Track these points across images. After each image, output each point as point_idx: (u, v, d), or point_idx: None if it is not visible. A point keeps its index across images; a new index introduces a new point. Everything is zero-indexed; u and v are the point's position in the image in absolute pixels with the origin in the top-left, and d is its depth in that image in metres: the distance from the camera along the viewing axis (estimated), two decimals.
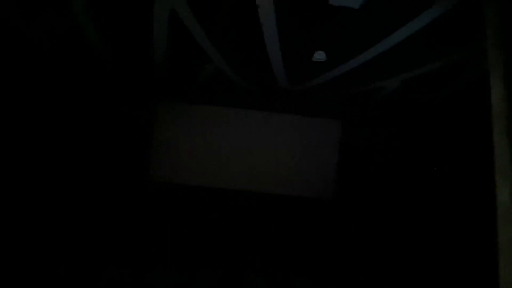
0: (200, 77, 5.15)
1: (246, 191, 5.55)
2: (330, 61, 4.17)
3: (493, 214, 1.95)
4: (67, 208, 5.20)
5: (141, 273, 4.80)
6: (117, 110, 5.48)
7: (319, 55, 4.01)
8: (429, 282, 4.94)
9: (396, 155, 5.59)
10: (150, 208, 5.46)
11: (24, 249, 4.64)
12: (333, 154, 5.59)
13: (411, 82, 4.57)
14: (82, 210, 5.26)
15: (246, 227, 5.49)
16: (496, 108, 1.77)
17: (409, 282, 5.00)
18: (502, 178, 1.81)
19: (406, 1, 2.96)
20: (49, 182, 5.20)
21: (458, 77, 4.44)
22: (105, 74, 5.34)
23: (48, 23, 3.84)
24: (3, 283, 3.91)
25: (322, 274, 5.22)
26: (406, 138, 5.61)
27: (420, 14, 3.04)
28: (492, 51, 1.85)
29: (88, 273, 4.56)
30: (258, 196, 5.56)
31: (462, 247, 4.86)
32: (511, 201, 1.76)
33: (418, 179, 5.51)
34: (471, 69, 4.11)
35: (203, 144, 5.55)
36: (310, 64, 4.27)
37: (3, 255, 4.33)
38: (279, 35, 3.60)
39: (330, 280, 5.13)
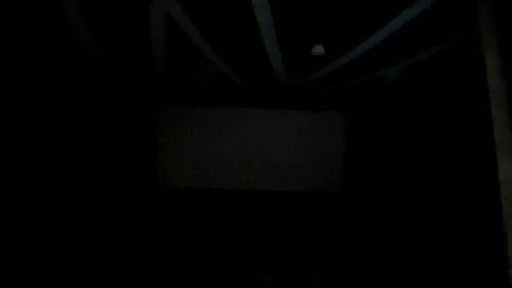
0: (200, 79, 5.17)
1: (254, 190, 5.55)
2: (329, 54, 4.16)
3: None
4: (75, 215, 5.26)
5: (153, 277, 4.84)
6: (120, 117, 5.52)
7: (318, 49, 4.00)
8: (442, 272, 4.90)
9: (402, 144, 5.55)
10: (158, 212, 5.49)
11: (33, 257, 4.70)
12: (339, 147, 5.56)
13: (411, 70, 4.54)
14: (90, 218, 5.31)
15: (257, 226, 5.50)
16: (492, 84, 1.75)
17: (421, 273, 4.96)
18: (503, 155, 1.79)
19: None
20: (56, 190, 5.26)
21: (460, 62, 4.41)
22: (105, 82, 5.39)
23: (45, 35, 3.89)
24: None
25: (337, 268, 5.20)
26: (411, 127, 5.57)
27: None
28: (485, 27, 1.84)
29: (98, 279, 4.60)
30: (267, 194, 5.55)
31: (472, 238, 4.82)
32: None
33: (425, 166, 5.46)
34: (472, 53, 4.07)
35: (208, 146, 5.57)
36: (309, 58, 4.27)
37: (13, 262, 4.40)
38: (276, 31, 3.60)
39: (345, 274, 5.11)
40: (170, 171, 5.55)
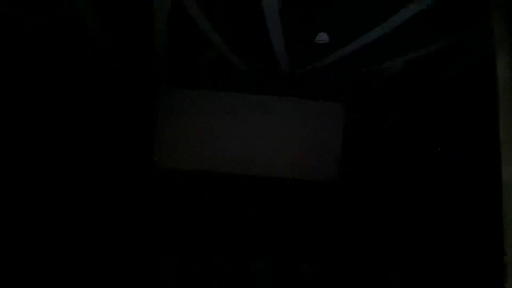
0: (202, 62, 5.12)
1: (250, 175, 5.55)
2: (333, 43, 4.12)
3: (499, 193, 1.93)
4: (71, 196, 5.23)
5: (147, 259, 4.86)
6: (119, 97, 5.46)
7: (322, 37, 3.96)
8: (435, 263, 4.96)
9: (400, 137, 5.56)
10: (154, 194, 5.48)
11: (29, 236, 4.69)
12: (337, 137, 5.56)
13: (415, 63, 4.51)
14: (86, 198, 5.29)
15: (252, 212, 5.51)
16: (501, 82, 1.73)
17: (415, 263, 5.02)
18: (508, 155, 1.78)
19: None
20: (52, 170, 5.22)
21: (462, 58, 4.39)
22: (106, 62, 5.32)
23: (48, 12, 3.82)
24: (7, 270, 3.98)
25: (328, 257, 5.26)
26: (410, 120, 5.57)
27: None
28: (497, 25, 1.81)
29: (93, 260, 4.62)
30: (263, 180, 5.56)
31: (467, 229, 4.86)
32: None
33: (422, 161, 5.49)
34: (476, 50, 4.05)
35: (206, 129, 5.54)
36: (312, 46, 4.23)
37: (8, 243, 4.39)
38: (281, 17, 3.55)
39: (336, 263, 5.16)
40: (167, 153, 5.52)
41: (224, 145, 5.54)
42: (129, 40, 4.57)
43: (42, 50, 4.88)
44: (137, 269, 4.65)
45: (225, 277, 4.84)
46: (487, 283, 3.18)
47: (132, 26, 4.11)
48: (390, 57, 4.46)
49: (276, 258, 5.11)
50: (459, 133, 5.29)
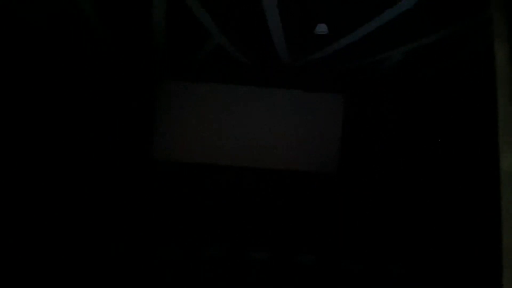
0: (200, 54, 5.10)
1: (249, 167, 5.56)
2: (332, 34, 4.11)
3: (497, 182, 1.95)
4: (71, 189, 5.24)
5: (147, 250, 4.89)
6: (119, 90, 5.45)
7: (321, 28, 3.94)
8: (433, 254, 5.00)
9: (399, 128, 5.56)
10: (154, 186, 5.50)
11: (32, 227, 4.72)
12: (336, 128, 5.57)
13: (414, 53, 4.50)
14: (86, 191, 5.30)
15: (251, 203, 5.53)
16: (500, 72, 1.73)
17: (413, 254, 5.06)
18: (506, 145, 1.79)
19: None
20: (51, 163, 5.22)
21: (462, 49, 4.38)
22: (105, 54, 5.30)
23: (47, 4, 3.80)
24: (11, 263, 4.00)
25: (326, 249, 5.29)
26: (409, 111, 5.57)
27: None
28: (496, 14, 1.81)
29: (92, 250, 4.65)
30: (262, 172, 5.57)
31: (466, 219, 4.89)
32: None
33: (421, 151, 5.49)
34: (475, 41, 4.04)
35: (205, 122, 5.54)
36: (311, 38, 4.21)
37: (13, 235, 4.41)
38: (280, 8, 3.53)
39: (334, 254, 5.20)
40: (167, 145, 5.53)
41: (223, 137, 5.54)
42: (128, 33, 4.56)
43: (42, 44, 4.86)
44: (138, 260, 4.68)
45: (224, 268, 4.89)
46: (485, 272, 3.21)
47: (131, 19, 4.09)
48: (389, 47, 4.45)
49: (273, 249, 5.14)
50: (458, 124, 5.30)
